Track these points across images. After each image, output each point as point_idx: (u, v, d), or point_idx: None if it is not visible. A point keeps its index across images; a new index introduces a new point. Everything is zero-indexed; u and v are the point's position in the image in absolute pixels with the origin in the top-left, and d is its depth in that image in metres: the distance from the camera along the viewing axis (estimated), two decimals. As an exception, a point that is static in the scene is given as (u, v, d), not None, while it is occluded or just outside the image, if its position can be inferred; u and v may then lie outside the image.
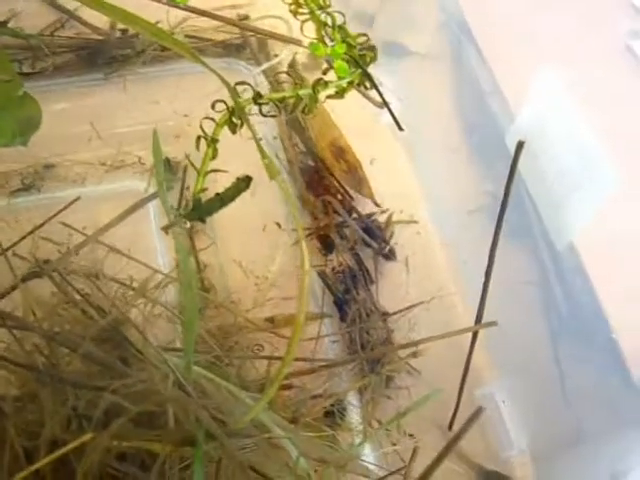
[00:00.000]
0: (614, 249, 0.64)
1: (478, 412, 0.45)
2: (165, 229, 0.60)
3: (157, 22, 0.81)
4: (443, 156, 0.85)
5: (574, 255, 0.66)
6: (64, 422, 0.53)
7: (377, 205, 0.83)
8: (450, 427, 0.70)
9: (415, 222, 0.83)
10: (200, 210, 0.55)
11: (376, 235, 0.80)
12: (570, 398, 0.66)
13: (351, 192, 0.84)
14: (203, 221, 0.55)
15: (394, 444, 0.66)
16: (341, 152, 0.86)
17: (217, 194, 0.57)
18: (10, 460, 0.52)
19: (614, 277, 0.63)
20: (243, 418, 0.53)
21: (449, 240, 0.82)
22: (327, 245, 0.79)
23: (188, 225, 0.65)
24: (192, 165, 0.63)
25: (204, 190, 0.61)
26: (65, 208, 0.74)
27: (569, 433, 0.67)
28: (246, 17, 0.96)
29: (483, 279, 0.63)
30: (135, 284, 0.63)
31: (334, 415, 0.69)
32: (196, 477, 0.51)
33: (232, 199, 0.56)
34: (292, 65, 0.91)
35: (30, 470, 0.50)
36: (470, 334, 0.68)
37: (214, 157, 0.62)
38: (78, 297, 0.59)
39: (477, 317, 0.67)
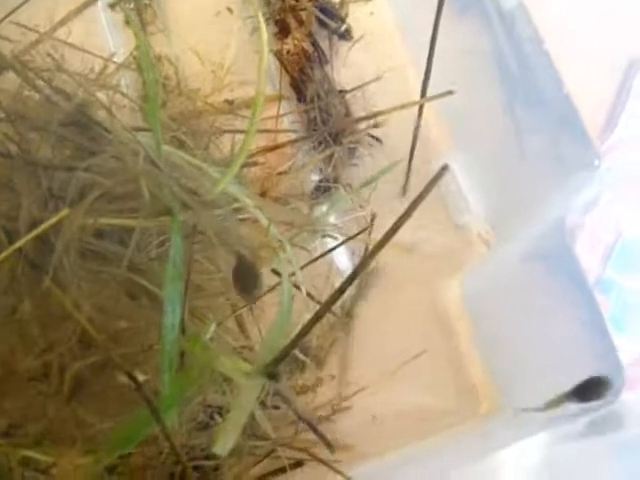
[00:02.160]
0: (564, 8, 0.65)
1: (443, 170, 0.46)
2: (111, 5, 0.59)
3: None
4: None
5: (525, 18, 0.66)
6: (41, 204, 0.55)
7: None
8: (404, 192, 0.73)
9: (369, -1, 0.82)
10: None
11: (332, 15, 0.79)
12: (526, 158, 0.69)
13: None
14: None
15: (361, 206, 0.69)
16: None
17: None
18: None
19: (565, 36, 0.64)
20: (214, 189, 0.55)
21: (403, 19, 0.82)
22: (283, 29, 0.79)
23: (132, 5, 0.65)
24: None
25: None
26: (17, 8, 0.73)
27: (524, 193, 0.70)
28: None
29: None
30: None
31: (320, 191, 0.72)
32: (174, 245, 0.53)
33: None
34: None
35: (13, 249, 0.51)
36: (426, 105, 0.70)
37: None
38: (42, 83, 0.59)
39: (422, 89, 0.68)
